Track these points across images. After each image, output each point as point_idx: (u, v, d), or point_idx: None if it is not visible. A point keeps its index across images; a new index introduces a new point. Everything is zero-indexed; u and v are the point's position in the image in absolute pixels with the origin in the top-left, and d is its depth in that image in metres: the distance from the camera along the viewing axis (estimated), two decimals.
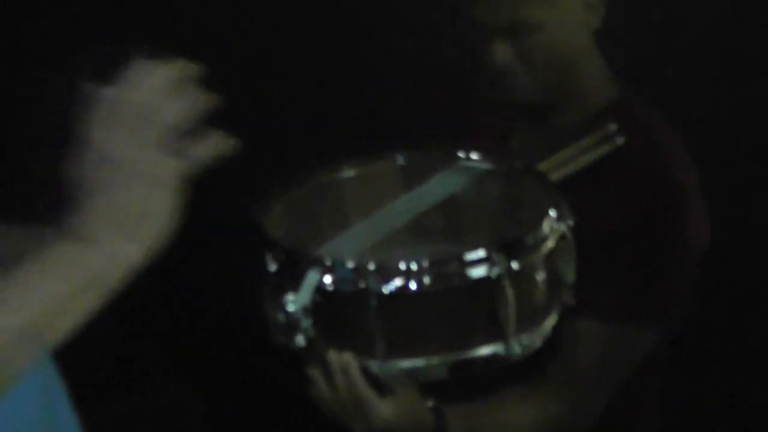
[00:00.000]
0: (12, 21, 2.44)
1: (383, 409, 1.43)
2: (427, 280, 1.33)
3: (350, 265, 1.36)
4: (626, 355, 1.63)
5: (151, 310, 2.59)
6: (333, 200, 1.62)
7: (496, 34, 1.58)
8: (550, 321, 1.44)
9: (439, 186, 1.57)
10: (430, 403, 1.50)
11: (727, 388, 2.53)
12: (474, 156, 1.62)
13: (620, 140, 1.59)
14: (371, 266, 1.34)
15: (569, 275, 1.44)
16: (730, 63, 2.38)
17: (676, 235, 1.59)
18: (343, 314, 1.37)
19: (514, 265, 1.35)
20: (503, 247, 1.35)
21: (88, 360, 2.48)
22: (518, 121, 1.76)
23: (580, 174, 1.60)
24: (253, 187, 1.57)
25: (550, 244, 1.40)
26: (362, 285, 1.33)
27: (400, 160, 1.65)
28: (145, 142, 1.02)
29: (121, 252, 0.99)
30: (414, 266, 1.33)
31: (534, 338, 1.40)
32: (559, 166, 1.61)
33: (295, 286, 1.36)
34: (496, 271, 1.33)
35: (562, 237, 1.42)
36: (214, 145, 1.06)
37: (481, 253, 1.34)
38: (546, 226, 1.40)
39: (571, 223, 1.43)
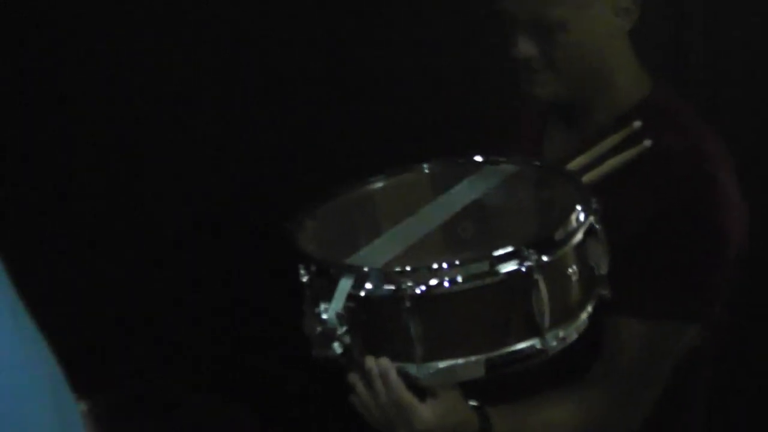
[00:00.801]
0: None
1: (425, 412, 1.42)
2: (459, 278, 1.34)
3: (381, 269, 1.37)
4: (668, 352, 1.62)
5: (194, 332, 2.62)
6: (364, 212, 1.63)
7: (521, 28, 1.58)
8: (586, 313, 1.43)
9: (467, 190, 1.58)
10: (473, 404, 1.50)
11: None
12: (500, 159, 1.63)
13: (647, 143, 1.59)
14: (402, 268, 1.35)
15: (602, 267, 1.45)
16: None
17: (713, 229, 1.58)
18: (377, 319, 1.38)
19: (545, 259, 1.35)
20: (533, 242, 1.35)
21: (118, 378, 2.52)
22: (550, 122, 1.77)
23: (616, 172, 1.60)
24: (286, 204, 1.59)
25: (579, 236, 1.41)
26: (394, 288, 1.34)
27: (428, 168, 1.66)
28: None
29: None
30: (445, 265, 1.34)
31: (570, 331, 1.40)
32: (589, 165, 1.61)
33: (328, 296, 1.37)
34: (527, 266, 1.33)
35: (591, 229, 1.42)
36: None
37: (510, 248, 1.34)
38: (573, 220, 1.41)
39: (598, 214, 1.43)
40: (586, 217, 1.42)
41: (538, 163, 1.65)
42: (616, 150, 1.62)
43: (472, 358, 1.36)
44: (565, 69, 1.60)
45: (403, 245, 1.46)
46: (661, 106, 1.66)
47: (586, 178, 1.58)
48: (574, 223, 1.41)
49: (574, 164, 1.63)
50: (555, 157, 1.69)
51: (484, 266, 1.34)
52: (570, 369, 1.55)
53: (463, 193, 1.57)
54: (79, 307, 2.58)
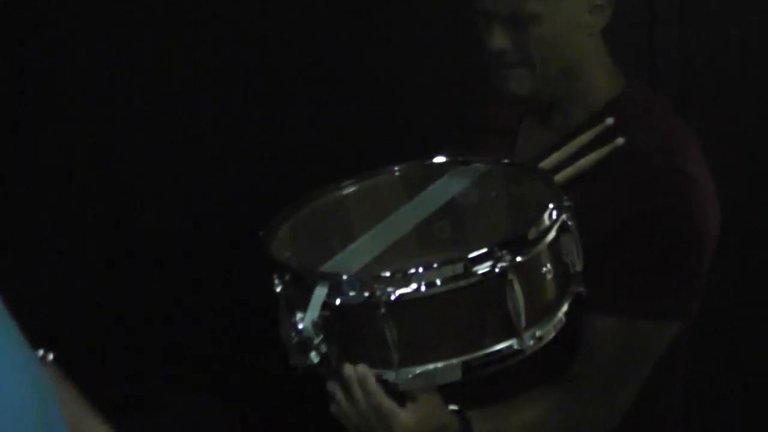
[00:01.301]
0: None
1: (405, 417, 1.42)
2: (433, 282, 1.33)
3: (355, 276, 1.37)
4: (648, 350, 1.61)
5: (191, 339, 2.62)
6: (337, 218, 1.63)
7: (495, 22, 1.58)
8: (561, 311, 1.43)
9: (439, 191, 1.58)
10: (453, 407, 1.49)
11: (748, 381, 2.49)
12: (472, 159, 1.63)
13: (620, 141, 1.59)
14: (376, 275, 1.34)
15: (577, 264, 1.45)
16: (745, 56, 2.35)
17: (689, 226, 1.57)
18: (354, 327, 1.37)
19: (519, 259, 1.34)
20: (506, 243, 1.35)
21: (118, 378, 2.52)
22: (525, 121, 1.77)
23: (590, 170, 1.60)
24: (286, 205, 1.59)
25: (552, 235, 1.41)
26: (369, 294, 1.33)
27: (399, 171, 1.67)
28: None
29: None
30: (420, 270, 1.33)
31: (547, 330, 1.40)
32: (562, 163, 1.61)
33: (304, 305, 1.36)
34: (500, 267, 1.33)
35: (564, 227, 1.42)
36: None
37: (483, 250, 1.33)
38: (546, 219, 1.40)
39: (571, 211, 1.43)
40: (559, 215, 1.42)
41: (507, 161, 1.65)
42: (589, 148, 1.62)
43: (450, 362, 1.36)
44: (539, 64, 1.60)
45: (378, 249, 1.46)
46: (635, 103, 1.66)
47: (560, 176, 1.59)
48: (546, 221, 1.41)
49: (547, 162, 1.63)
50: (530, 155, 1.69)
51: (459, 269, 1.33)
52: (548, 368, 1.54)
53: (436, 195, 1.58)
54: (79, 307, 2.59)
